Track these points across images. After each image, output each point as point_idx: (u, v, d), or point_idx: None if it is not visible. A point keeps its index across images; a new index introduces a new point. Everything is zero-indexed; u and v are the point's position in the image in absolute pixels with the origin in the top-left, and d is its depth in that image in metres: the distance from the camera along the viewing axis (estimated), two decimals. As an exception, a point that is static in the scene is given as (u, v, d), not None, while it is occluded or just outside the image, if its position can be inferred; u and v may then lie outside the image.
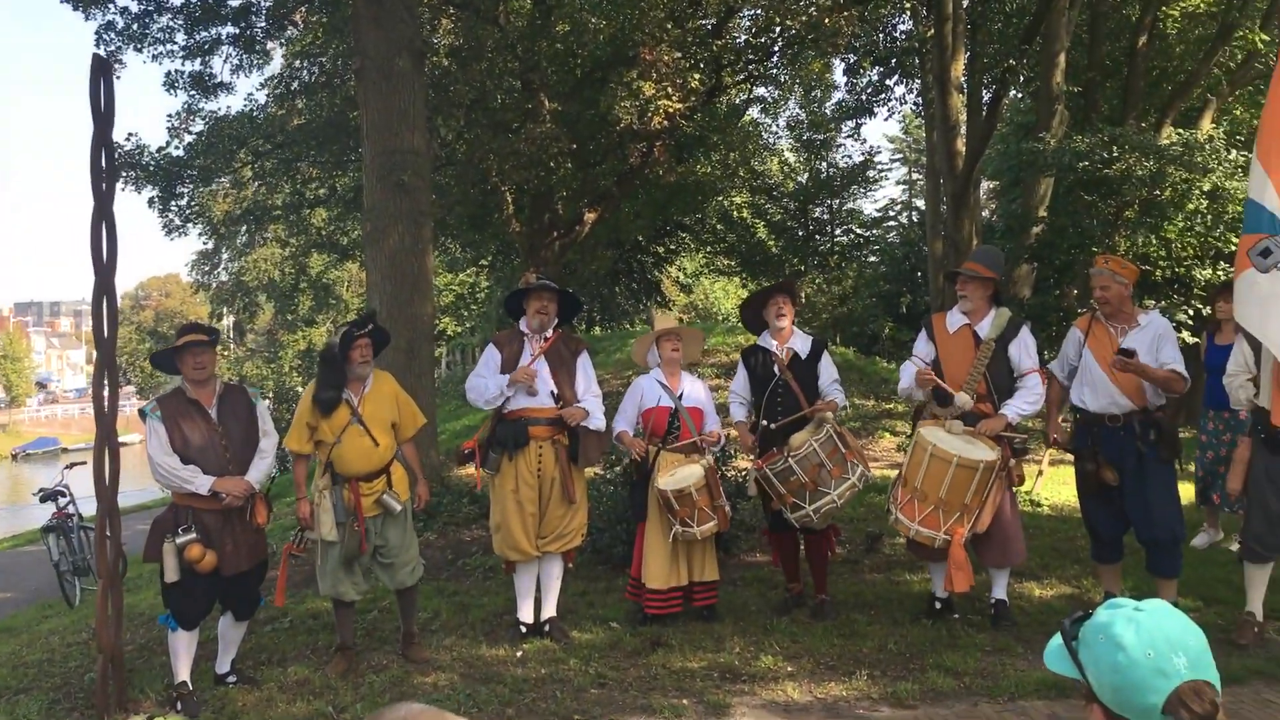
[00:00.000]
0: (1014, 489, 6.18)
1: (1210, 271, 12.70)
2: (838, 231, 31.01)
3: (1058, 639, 1.84)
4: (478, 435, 6.44)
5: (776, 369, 6.48)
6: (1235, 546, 7.83)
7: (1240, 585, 6.20)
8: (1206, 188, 11.79)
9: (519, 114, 12.93)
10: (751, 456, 6.63)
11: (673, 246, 25.72)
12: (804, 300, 22.32)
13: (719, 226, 25.92)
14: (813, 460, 6.04)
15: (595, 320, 27.40)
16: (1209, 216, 11.99)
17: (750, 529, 8.56)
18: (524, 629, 6.42)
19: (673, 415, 6.54)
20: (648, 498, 6.45)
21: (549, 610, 6.46)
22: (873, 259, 31.60)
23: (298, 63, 15.81)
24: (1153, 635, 1.66)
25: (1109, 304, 6.05)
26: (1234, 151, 12.15)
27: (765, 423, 6.48)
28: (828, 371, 6.54)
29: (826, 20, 11.36)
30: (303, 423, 5.93)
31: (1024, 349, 6.09)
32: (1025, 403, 6.02)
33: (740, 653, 5.92)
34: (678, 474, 6.32)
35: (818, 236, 29.94)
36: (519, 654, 6.14)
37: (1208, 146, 11.87)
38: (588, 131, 13.68)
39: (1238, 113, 19.65)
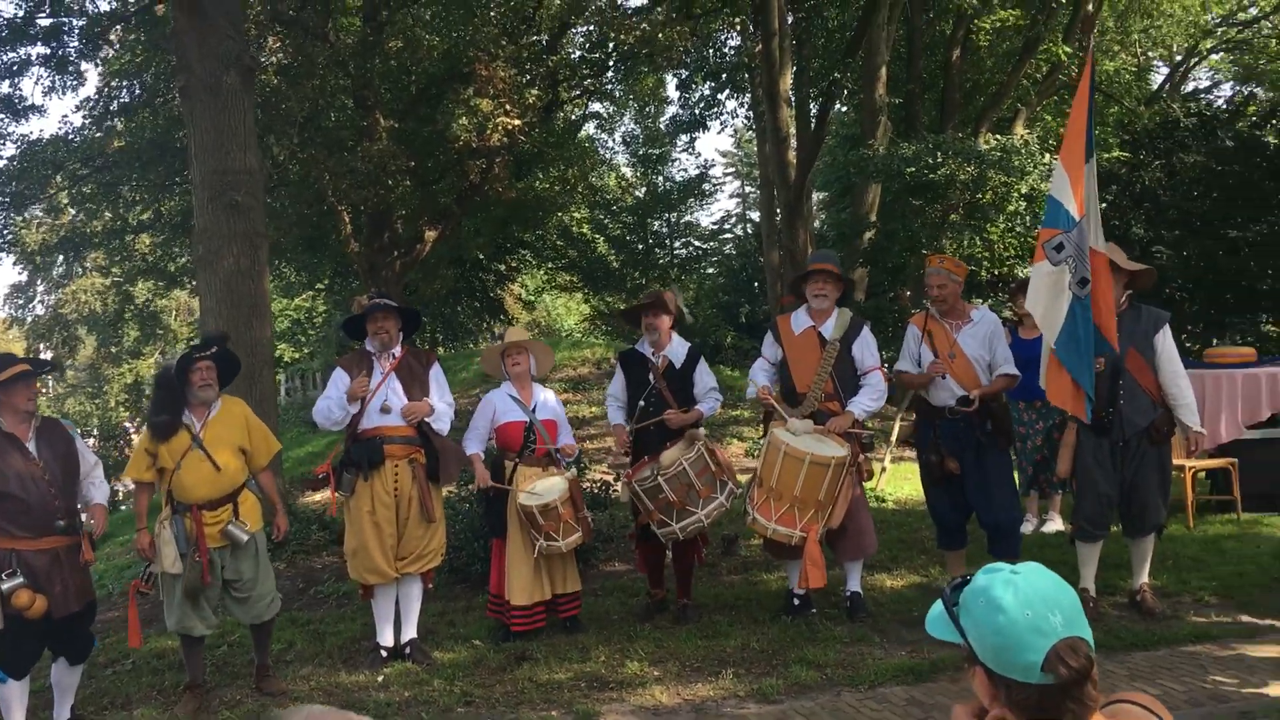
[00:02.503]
0: (863, 484, 6.37)
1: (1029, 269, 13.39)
2: (677, 244, 31.46)
3: (938, 607, 1.90)
4: (331, 457, 6.25)
5: (651, 376, 6.53)
6: (1051, 528, 8.29)
7: (1074, 564, 6.53)
8: (1024, 190, 12.49)
9: (354, 132, 12.68)
10: (624, 460, 6.66)
11: (514, 264, 25.62)
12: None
13: (559, 243, 25.97)
14: (682, 480, 6.09)
15: (439, 340, 27.07)
16: (1027, 217, 12.71)
17: (608, 539, 8.58)
18: (384, 653, 6.26)
19: (528, 428, 6.50)
20: (506, 513, 6.39)
21: (409, 632, 6.32)
22: (711, 270, 32.21)
23: (115, 82, 15.12)
24: (1029, 596, 1.73)
25: (944, 301, 6.33)
26: (1047, 155, 12.89)
27: (629, 427, 6.53)
28: (703, 380, 6.62)
29: (660, 35, 11.53)
30: (142, 449, 5.68)
31: (866, 348, 6.31)
32: (870, 399, 6.23)
33: (606, 661, 5.91)
34: (539, 488, 6.28)
35: (657, 250, 30.31)
36: (380, 678, 5.99)
37: (1024, 151, 12.56)
38: (426, 149, 13.53)
39: (1049, 119, 20.82)
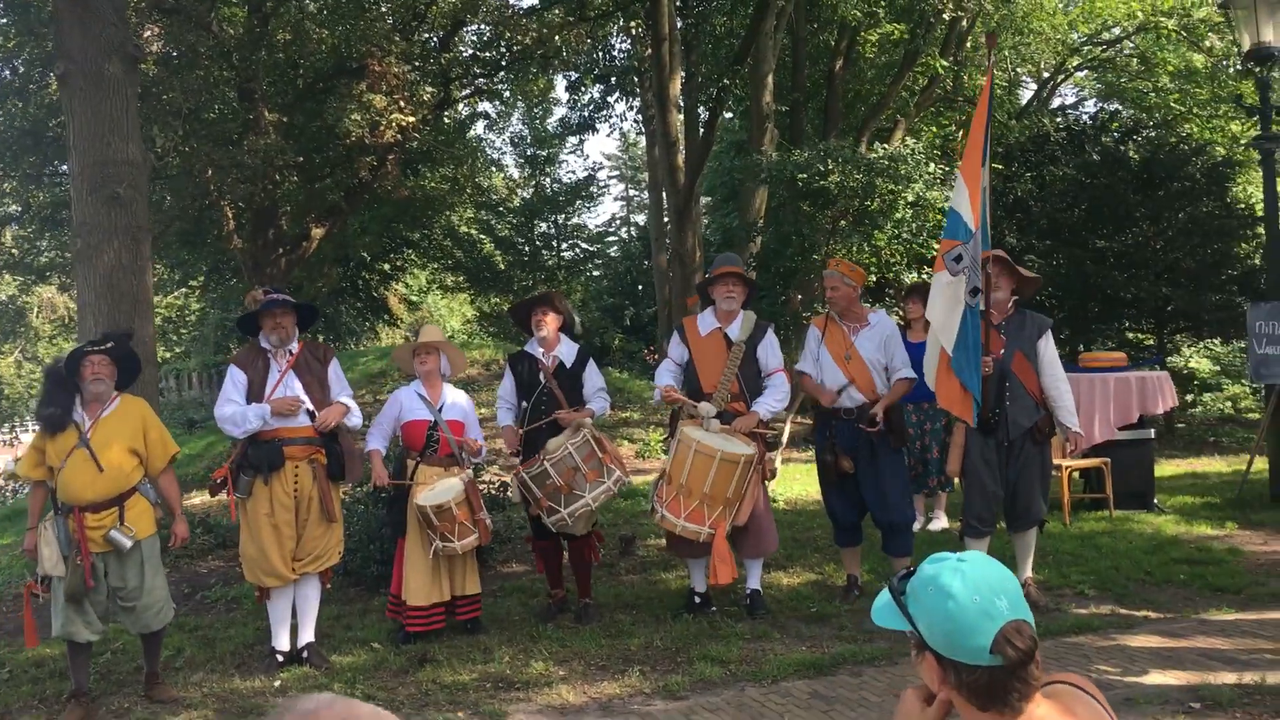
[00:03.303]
0: (765, 483, 6.49)
1: (916, 275, 13.84)
2: (563, 246, 31.46)
3: (885, 596, 1.98)
4: (229, 460, 6.09)
5: (541, 376, 6.54)
6: (937, 525, 8.58)
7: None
8: (910, 198, 12.88)
9: (239, 125, 12.37)
10: (514, 462, 6.65)
11: (399, 263, 25.28)
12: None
13: (446, 243, 25.73)
14: (568, 464, 6.15)
15: (322, 340, 26.53)
16: (914, 224, 13.10)
17: (506, 540, 8.56)
18: (280, 657, 6.14)
19: (431, 427, 6.45)
20: (407, 513, 6.34)
21: (306, 635, 6.21)
22: (596, 274, 32.29)
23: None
24: (977, 582, 1.82)
25: (838, 304, 6.51)
26: (932, 164, 13.32)
27: (520, 429, 6.54)
28: (592, 380, 6.68)
29: (556, 36, 11.53)
30: (32, 445, 5.48)
31: (770, 350, 6.45)
32: (774, 400, 6.36)
33: (510, 661, 5.91)
34: (437, 488, 6.25)
35: (544, 252, 30.27)
36: (277, 683, 5.87)
37: (911, 159, 12.94)
38: (314, 144, 13.27)
39: (933, 130, 21.44)
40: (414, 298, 31.59)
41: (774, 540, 6.58)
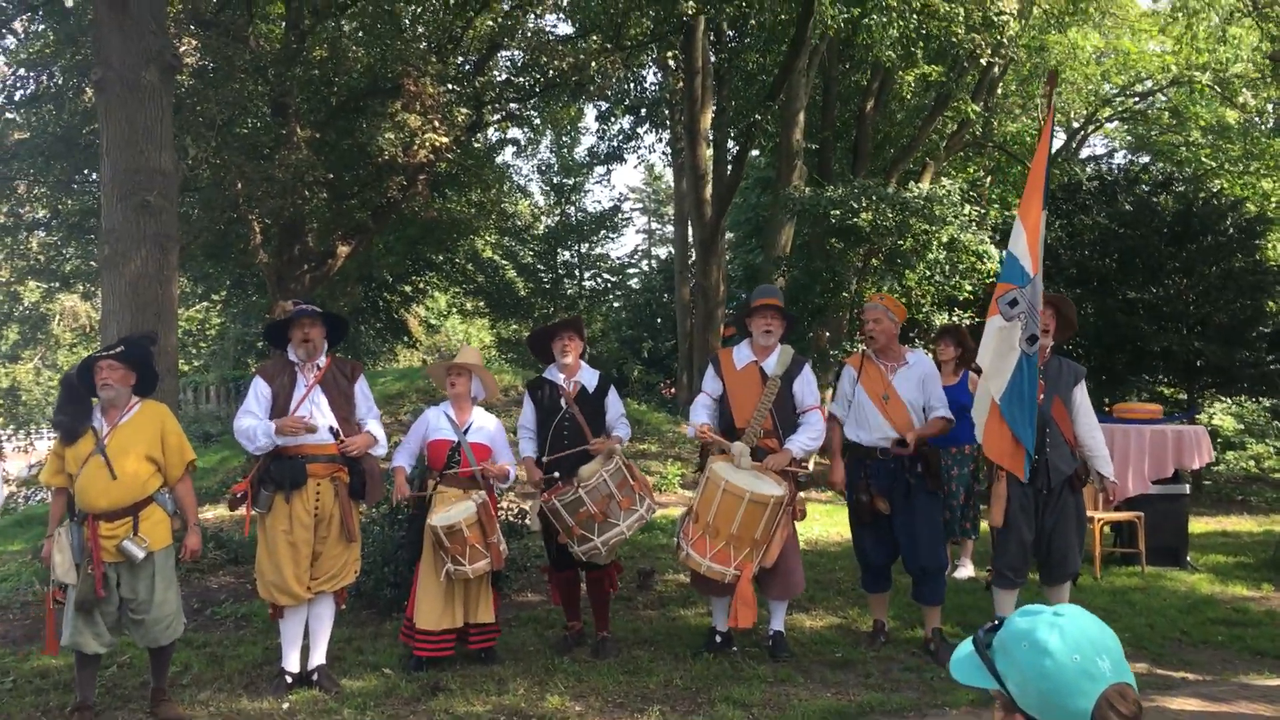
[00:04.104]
0: (795, 523, 6.32)
1: (946, 317, 13.69)
2: (585, 276, 31.42)
3: (966, 649, 1.83)
4: (251, 474, 5.94)
5: (563, 402, 6.41)
6: (963, 573, 8.37)
7: (987, 610, 6.59)
8: (945, 239, 12.74)
9: (271, 139, 12.35)
10: (539, 491, 6.49)
11: (421, 285, 25.26)
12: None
13: (469, 267, 25.71)
14: (602, 491, 5.99)
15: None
16: (946, 266, 12.96)
17: (522, 568, 8.40)
18: (289, 679, 5.98)
19: (454, 448, 6.32)
20: (423, 534, 6.21)
21: (318, 658, 6.05)
22: (616, 305, 32.24)
23: (21, 72, 14.47)
24: (1077, 639, 1.67)
25: (877, 340, 6.35)
26: (968, 206, 13.20)
27: (543, 458, 6.39)
28: (615, 407, 6.55)
29: (593, 64, 11.49)
30: (52, 452, 5.38)
31: (807, 386, 6.29)
32: (809, 438, 6.19)
33: (525, 694, 5.74)
34: (451, 510, 6.12)
35: (566, 280, 30.23)
36: (285, 706, 5.71)
37: (946, 200, 12.82)
38: (345, 161, 13.24)
39: (963, 175, 21.35)
40: (434, 321, 31.59)
41: (801, 582, 6.39)
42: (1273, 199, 22.32)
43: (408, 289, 24.38)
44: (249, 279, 19.26)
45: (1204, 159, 24.01)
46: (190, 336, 31.34)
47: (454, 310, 31.54)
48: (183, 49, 11.32)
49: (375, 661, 6.42)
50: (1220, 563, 9.23)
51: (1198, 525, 11.12)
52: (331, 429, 5.88)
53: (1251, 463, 19.07)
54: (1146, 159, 25.58)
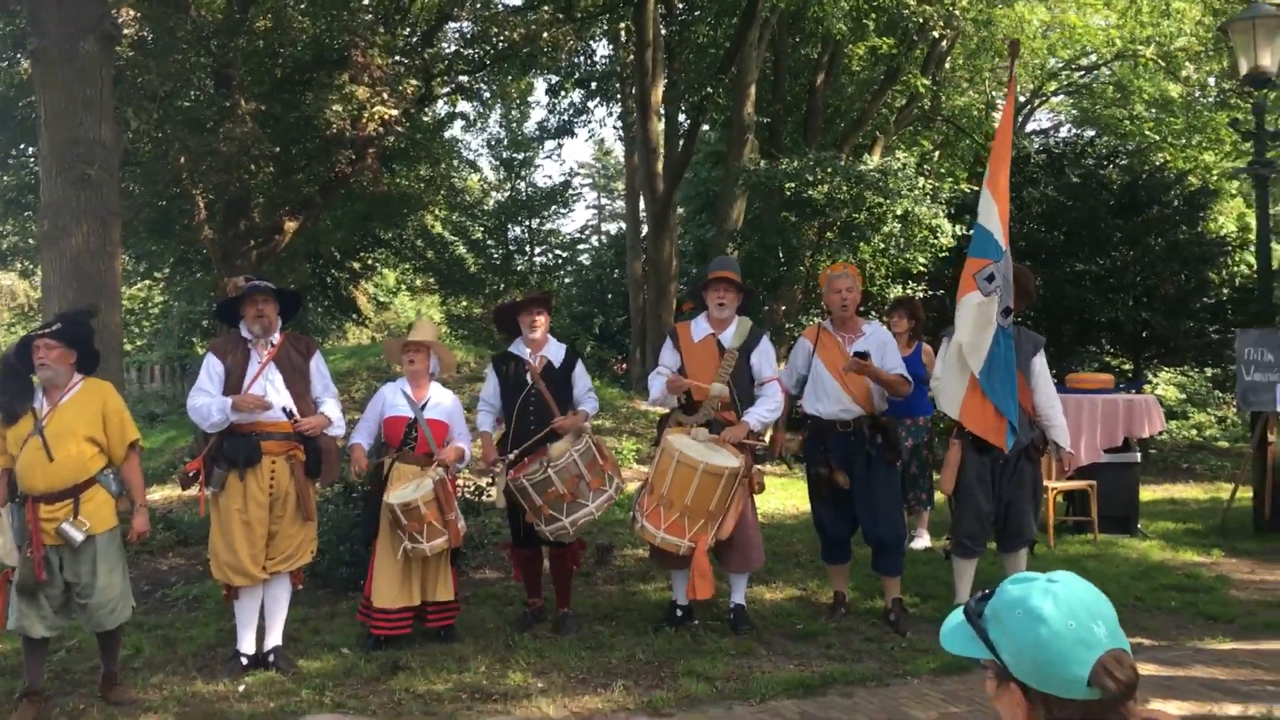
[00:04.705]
0: (753, 496, 6.30)
1: (900, 289, 13.75)
2: (536, 251, 31.22)
3: (957, 618, 1.79)
4: (203, 453, 5.80)
5: (529, 377, 6.33)
6: (920, 544, 8.42)
7: (945, 580, 6.63)
8: (899, 212, 12.77)
9: (215, 112, 12.06)
10: (495, 468, 6.40)
11: (370, 262, 24.92)
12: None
13: (418, 243, 25.41)
14: (572, 471, 5.93)
15: (288, 338, 26.02)
16: (901, 239, 13.00)
17: (479, 545, 8.33)
18: (245, 660, 5.88)
19: (410, 426, 6.23)
20: (381, 513, 6.12)
21: (274, 639, 5.95)
22: (567, 281, 32.07)
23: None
24: (1072, 605, 1.64)
25: (848, 308, 6.33)
26: (922, 179, 13.23)
27: (511, 455, 6.27)
28: (582, 381, 6.49)
29: (545, 34, 11.34)
30: None
31: (765, 358, 6.26)
32: (766, 410, 6.18)
33: (486, 671, 5.68)
34: (408, 487, 6.03)
35: (517, 256, 29.99)
36: (241, 688, 5.61)
37: (901, 173, 12.84)
38: (291, 135, 12.97)
39: (914, 150, 21.44)
40: (383, 298, 31.23)
41: (760, 555, 6.40)
42: (1214, 172, 22.64)
43: (356, 265, 24.02)
44: (193, 256, 18.87)
45: (1148, 132, 24.29)
46: (133, 315, 30.74)
47: (403, 287, 31.19)
48: (121, 19, 11.01)
49: (332, 641, 6.33)
50: (1170, 530, 9.38)
51: (1146, 493, 11.28)
52: (285, 409, 5.76)
53: (1194, 431, 19.44)
54: (1092, 133, 25.83)
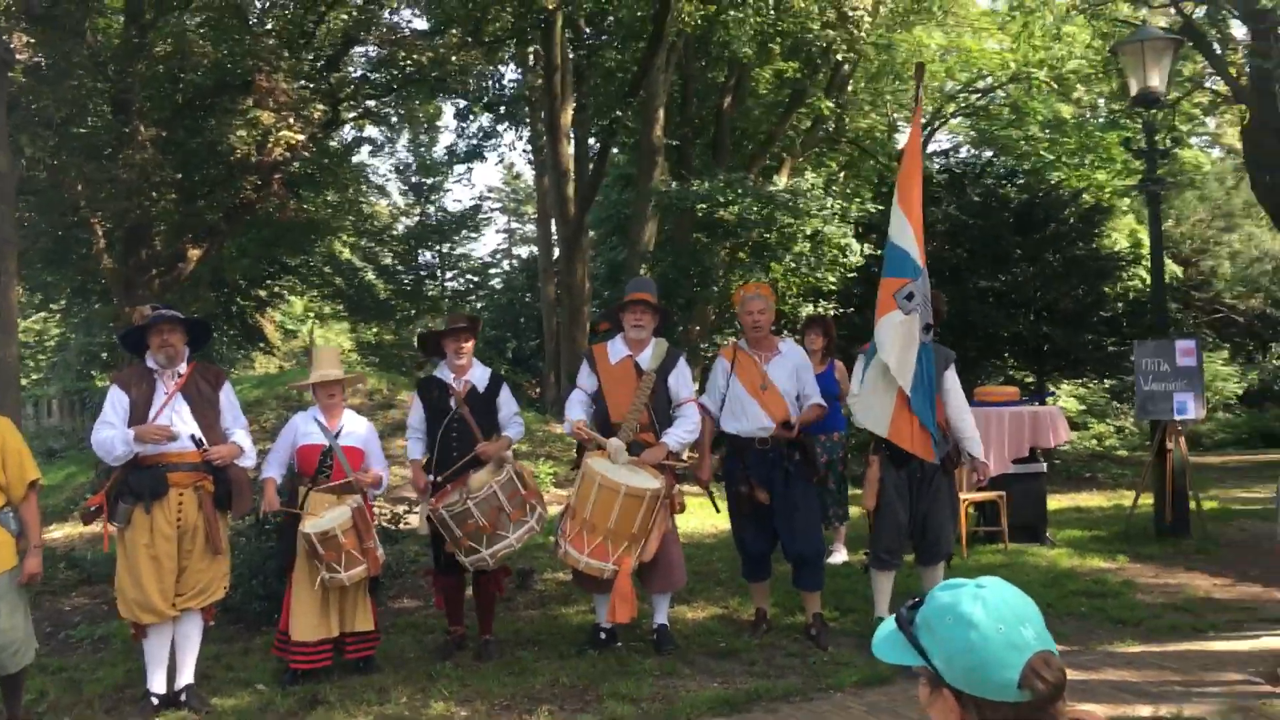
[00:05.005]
0: (674, 516, 6.31)
1: (811, 308, 13.94)
2: (447, 276, 30.98)
3: (889, 627, 1.81)
4: (106, 486, 5.63)
5: (453, 402, 6.27)
6: (837, 559, 8.52)
7: (867, 594, 6.71)
8: (809, 231, 12.97)
9: (113, 138, 11.75)
10: (424, 496, 6.33)
11: (276, 290, 24.49)
12: (417, 345, 22.09)
13: (326, 269, 25.05)
14: (492, 503, 5.88)
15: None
16: (811, 258, 13.19)
17: (397, 574, 8.21)
18: (155, 700, 5.69)
19: (325, 453, 6.12)
20: (296, 544, 5.99)
21: (185, 677, 5.77)
22: (480, 305, 31.91)
23: None
24: (1000, 610, 1.67)
25: (761, 329, 6.39)
26: (831, 199, 13.46)
27: (434, 478, 6.21)
28: (507, 405, 6.45)
29: (454, 58, 11.28)
30: None
31: (682, 379, 6.30)
32: (684, 431, 6.21)
33: (408, 702, 5.59)
34: (325, 516, 5.93)
35: (428, 281, 29.74)
36: (152, 729, 5.45)
37: (810, 193, 13.05)
38: (193, 161, 12.71)
39: (822, 171, 21.82)
40: (290, 326, 30.70)
41: (682, 575, 6.41)
42: (1107, 190, 23.41)
43: (263, 293, 23.59)
44: (92, 286, 18.33)
45: (1043, 152, 25.00)
46: (29, 349, 29.79)
47: (311, 315, 30.71)
48: (14, 44, 10.69)
49: (247, 678, 6.18)
50: (1077, 537, 9.63)
51: (1053, 503, 11.56)
52: (193, 437, 5.62)
53: (1094, 441, 20.03)
54: (990, 153, 26.52)
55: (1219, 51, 18.24)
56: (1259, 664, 5.55)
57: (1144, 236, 22.52)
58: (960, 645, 1.66)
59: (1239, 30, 18.98)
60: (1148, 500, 9.70)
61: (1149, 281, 17.77)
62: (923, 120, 27.47)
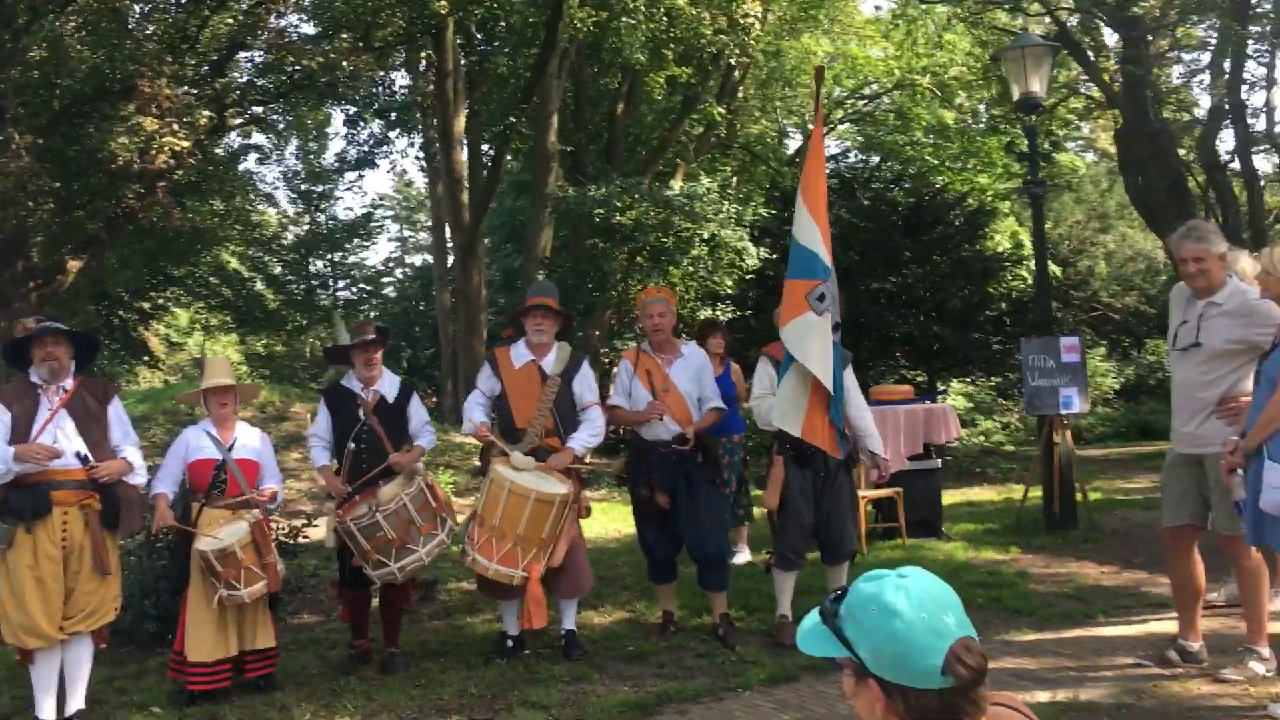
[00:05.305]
0: (580, 521, 6.30)
1: (710, 311, 14.07)
2: (339, 286, 30.49)
3: (813, 620, 1.83)
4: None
5: (361, 413, 6.15)
6: (741, 559, 8.59)
7: (769, 593, 6.78)
8: (706, 235, 13.09)
9: (-15, 146, 11.31)
10: (333, 506, 6.20)
11: (160, 301, 23.77)
12: (309, 355, 21.73)
13: (213, 280, 24.41)
14: (402, 516, 5.77)
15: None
16: (709, 262, 13.32)
17: (296, 589, 8.03)
18: (45, 729, 5.47)
19: (219, 468, 5.95)
20: (190, 561, 5.82)
21: (77, 703, 5.56)
22: (374, 315, 31.46)
23: None
24: (922, 598, 1.70)
25: (663, 332, 6.42)
26: (727, 203, 13.60)
27: (349, 490, 6.08)
28: (418, 415, 6.35)
29: (344, 61, 11.10)
30: None
31: (585, 383, 6.29)
32: (590, 435, 6.20)
33: (312, 718, 5.47)
34: (221, 532, 5.77)
35: (320, 291, 29.21)
36: (41, 759, 5.23)
37: (706, 198, 13.17)
38: (72, 169, 12.28)
39: (717, 176, 22.05)
40: (176, 339, 29.84)
41: (589, 579, 6.41)
42: (989, 193, 24.13)
43: (146, 305, 22.87)
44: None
45: (927, 157, 25.69)
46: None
47: (198, 327, 29.90)
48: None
49: (141, 701, 5.96)
50: (971, 530, 9.88)
51: (947, 498, 11.85)
52: (79, 454, 5.42)
53: (982, 438, 20.61)
54: (877, 158, 27.14)
55: (1093, 59, 19.00)
56: (1148, 647, 5.75)
57: (1025, 238, 23.32)
58: (885, 634, 1.69)
59: (1111, 38, 19.78)
60: (1037, 493, 9.99)
61: (1030, 281, 18.44)
62: (811, 126, 28.06)
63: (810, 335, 5.94)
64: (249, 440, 6.12)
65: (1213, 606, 6.28)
